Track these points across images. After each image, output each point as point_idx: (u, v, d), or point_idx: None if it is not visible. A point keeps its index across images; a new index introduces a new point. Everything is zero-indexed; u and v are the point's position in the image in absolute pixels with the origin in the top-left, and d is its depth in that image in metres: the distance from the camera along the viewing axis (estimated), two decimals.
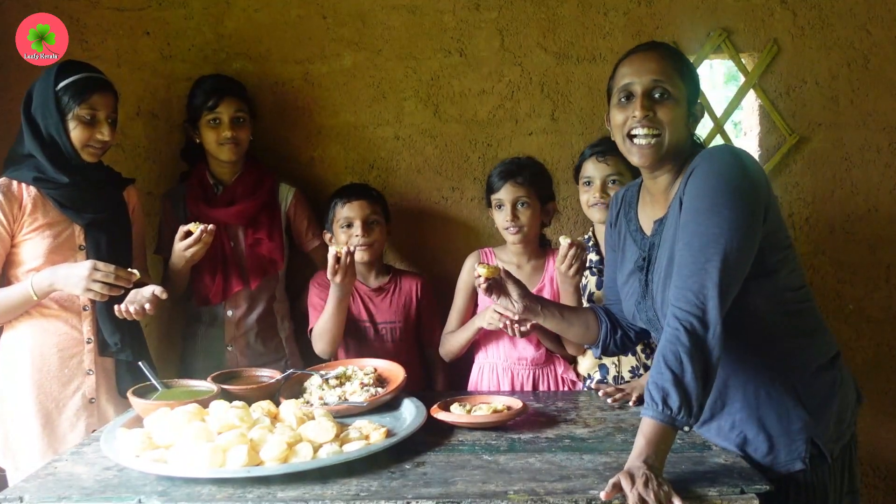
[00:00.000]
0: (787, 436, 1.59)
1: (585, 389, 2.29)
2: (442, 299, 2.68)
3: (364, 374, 2.08)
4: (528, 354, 2.35)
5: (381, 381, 2.07)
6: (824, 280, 2.71)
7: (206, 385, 1.97)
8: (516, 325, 2.13)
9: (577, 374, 2.36)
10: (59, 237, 2.12)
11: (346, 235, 2.38)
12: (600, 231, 2.34)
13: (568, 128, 2.69)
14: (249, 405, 1.79)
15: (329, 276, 2.16)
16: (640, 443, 1.41)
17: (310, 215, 2.58)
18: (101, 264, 1.99)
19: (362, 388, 1.99)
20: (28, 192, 2.10)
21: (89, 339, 2.18)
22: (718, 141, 2.69)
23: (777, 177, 2.68)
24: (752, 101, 2.73)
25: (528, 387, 2.35)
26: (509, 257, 2.40)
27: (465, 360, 2.50)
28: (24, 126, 2.11)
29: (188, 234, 2.21)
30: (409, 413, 1.88)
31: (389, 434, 1.70)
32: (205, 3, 2.67)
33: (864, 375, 2.69)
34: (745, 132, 2.82)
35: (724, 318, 1.44)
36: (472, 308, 2.44)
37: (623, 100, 1.65)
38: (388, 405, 1.95)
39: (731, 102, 2.71)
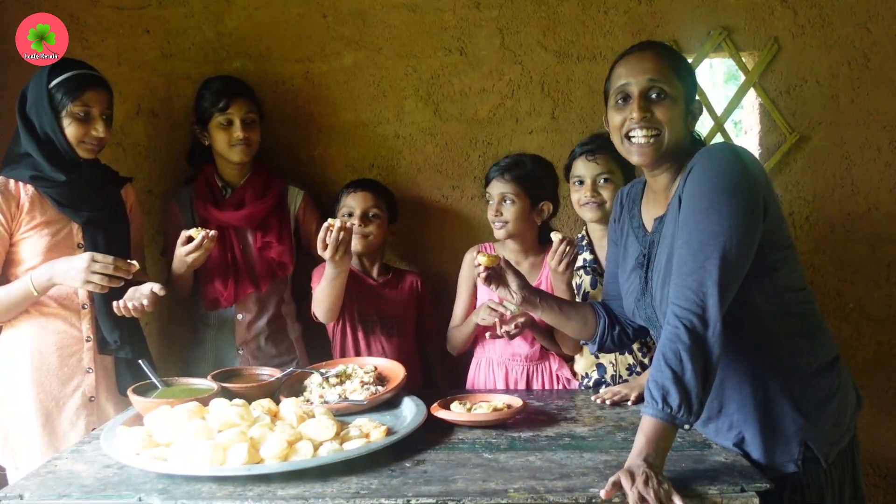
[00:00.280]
0: (781, 438, 1.59)
1: (582, 389, 2.29)
2: (442, 297, 2.68)
3: (364, 372, 2.08)
4: (523, 351, 2.36)
5: (381, 379, 2.07)
6: (825, 279, 2.71)
7: (207, 383, 1.97)
8: (504, 327, 2.15)
9: (574, 374, 2.36)
10: (58, 235, 2.12)
11: None
12: (594, 230, 2.35)
13: (568, 126, 2.69)
14: (250, 403, 1.79)
15: (319, 250, 2.10)
16: (640, 441, 1.41)
17: (318, 218, 2.57)
18: (99, 256, 1.99)
19: (362, 386, 1.99)
20: (25, 191, 2.10)
21: (89, 337, 2.18)
22: (719, 139, 2.69)
23: (777, 175, 2.68)
24: (752, 99, 2.73)
25: (522, 383, 2.36)
26: (508, 253, 2.41)
27: (463, 355, 2.52)
28: (19, 125, 2.11)
29: (190, 239, 2.20)
30: (410, 411, 1.88)
31: (389, 432, 1.70)
32: (205, 1, 2.67)
33: (865, 374, 2.70)
34: (746, 131, 2.82)
35: (724, 316, 1.44)
36: (474, 302, 2.45)
37: (620, 101, 1.65)
38: (389, 403, 1.95)
39: (731, 101, 2.71)
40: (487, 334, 2.23)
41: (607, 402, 2.02)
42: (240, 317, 2.45)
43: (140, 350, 2.23)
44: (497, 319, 2.17)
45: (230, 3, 2.67)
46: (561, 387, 2.35)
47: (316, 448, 1.59)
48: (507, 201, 2.31)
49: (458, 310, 2.48)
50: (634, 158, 1.66)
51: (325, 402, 1.91)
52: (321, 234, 2.08)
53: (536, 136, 2.69)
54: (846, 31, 2.65)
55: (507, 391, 2.30)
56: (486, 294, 2.33)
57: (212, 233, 2.20)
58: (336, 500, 1.40)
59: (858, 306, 2.73)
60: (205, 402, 1.77)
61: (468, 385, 2.46)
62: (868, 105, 2.67)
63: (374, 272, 2.49)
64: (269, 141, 2.64)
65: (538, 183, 2.35)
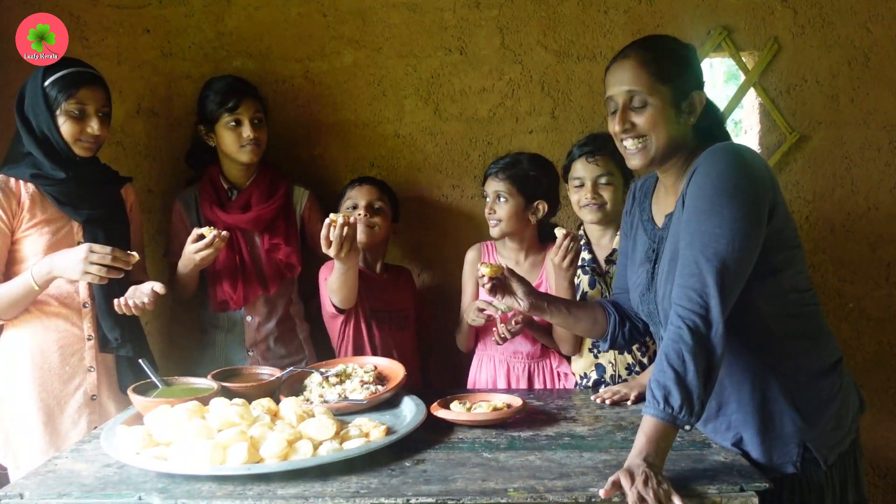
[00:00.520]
0: (779, 439, 1.59)
1: (580, 389, 2.29)
2: (443, 296, 2.70)
3: (364, 371, 2.08)
4: (524, 349, 2.37)
5: (380, 378, 2.07)
6: (825, 279, 2.71)
7: (207, 382, 1.97)
8: (497, 329, 2.17)
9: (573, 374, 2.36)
10: (58, 234, 2.12)
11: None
12: (592, 230, 2.35)
13: (568, 126, 2.69)
14: (250, 402, 1.79)
15: (323, 247, 2.08)
16: (640, 440, 1.41)
17: (323, 217, 2.56)
18: (96, 246, 1.99)
19: (362, 385, 1.99)
20: (26, 189, 2.11)
21: (90, 335, 2.18)
22: None
23: (777, 175, 2.67)
24: (752, 99, 2.73)
25: (524, 380, 2.36)
26: (508, 252, 2.41)
27: (462, 353, 2.53)
28: (18, 125, 2.12)
29: (201, 237, 2.20)
30: (409, 411, 1.88)
31: (389, 432, 1.70)
32: (205, 0, 2.67)
33: (865, 374, 2.70)
34: (746, 131, 2.82)
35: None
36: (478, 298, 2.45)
37: (612, 112, 1.68)
38: (388, 403, 1.95)
39: (731, 101, 2.71)
40: (495, 339, 2.24)
41: (607, 401, 2.02)
42: (249, 319, 2.45)
43: (141, 348, 2.23)
44: (487, 318, 2.18)
45: (230, 2, 2.67)
46: (562, 383, 2.36)
47: (316, 447, 1.59)
48: (501, 199, 2.31)
49: (463, 307, 2.48)
50: (630, 164, 1.69)
51: (325, 402, 1.90)
52: (324, 231, 2.05)
53: (536, 136, 2.69)
54: (846, 30, 2.65)
55: (508, 389, 2.31)
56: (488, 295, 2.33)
57: (224, 233, 2.20)
58: (336, 500, 1.40)
59: (858, 306, 2.73)
60: (205, 401, 1.77)
61: (470, 382, 2.47)
62: (868, 105, 2.67)
63: (378, 268, 2.48)
64: (269, 140, 2.64)
65: (533, 182, 2.34)
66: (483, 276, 1.87)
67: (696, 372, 1.40)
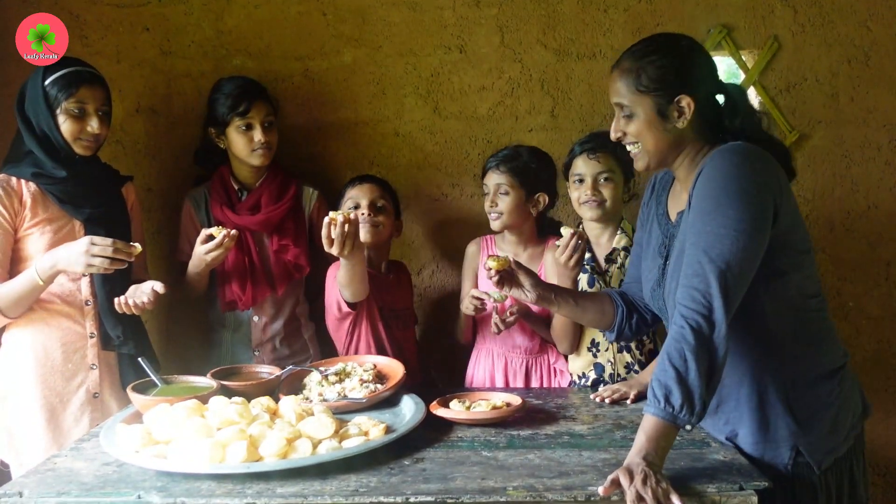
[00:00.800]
0: (773, 441, 1.60)
1: (577, 389, 2.28)
2: (443, 294, 2.70)
3: (363, 370, 2.08)
4: (522, 343, 2.37)
5: (380, 377, 2.07)
6: (824, 278, 2.70)
7: (206, 381, 1.98)
8: (496, 320, 2.19)
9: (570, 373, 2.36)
10: (60, 232, 2.12)
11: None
12: (591, 228, 2.34)
13: (568, 124, 2.69)
14: (249, 401, 1.79)
15: (325, 246, 2.05)
16: (640, 439, 1.41)
17: None
18: (98, 238, 1.99)
19: (361, 384, 1.99)
20: (28, 188, 2.11)
21: (92, 333, 2.19)
22: None
23: None
24: (752, 98, 2.72)
25: (521, 375, 2.37)
26: (507, 245, 2.42)
27: (461, 352, 2.53)
28: (19, 123, 2.12)
29: (210, 237, 2.20)
30: (409, 409, 1.88)
31: (388, 430, 1.70)
32: None
33: (864, 373, 2.70)
34: None
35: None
36: None
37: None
38: (388, 401, 1.95)
39: None
40: (493, 330, 2.24)
41: (606, 400, 2.02)
42: (256, 319, 2.45)
43: (143, 346, 2.24)
44: (482, 308, 2.20)
45: (230, 0, 2.67)
46: (557, 380, 2.37)
47: (315, 446, 1.59)
48: (502, 192, 2.32)
49: (462, 301, 2.48)
50: (635, 166, 1.74)
51: (325, 400, 1.90)
52: (324, 231, 2.02)
53: (536, 134, 2.69)
54: (846, 29, 2.64)
55: (506, 387, 2.32)
56: (488, 285, 2.33)
57: (233, 232, 2.20)
58: (335, 498, 1.40)
59: (858, 305, 2.73)
60: (204, 399, 1.77)
61: (468, 377, 2.47)
62: (868, 103, 2.67)
63: (383, 268, 2.47)
64: None
65: (533, 174, 2.35)
66: (490, 269, 1.88)
67: (698, 372, 1.40)
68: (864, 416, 1.72)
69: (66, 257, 2.01)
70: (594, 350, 2.29)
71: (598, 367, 2.29)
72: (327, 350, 2.50)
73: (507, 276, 1.90)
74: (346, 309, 2.22)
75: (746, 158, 1.54)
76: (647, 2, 2.64)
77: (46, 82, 2.08)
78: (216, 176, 2.49)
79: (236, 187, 2.48)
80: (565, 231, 2.11)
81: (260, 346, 2.46)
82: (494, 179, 2.33)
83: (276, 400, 1.87)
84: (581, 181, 2.27)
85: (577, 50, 2.67)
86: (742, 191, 1.50)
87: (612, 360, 2.27)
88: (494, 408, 1.85)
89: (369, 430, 1.68)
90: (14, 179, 2.11)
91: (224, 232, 2.18)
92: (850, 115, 2.67)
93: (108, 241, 1.98)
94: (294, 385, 2.07)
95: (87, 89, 2.11)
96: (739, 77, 2.70)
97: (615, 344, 2.26)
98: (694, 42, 1.70)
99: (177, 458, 1.52)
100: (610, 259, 2.28)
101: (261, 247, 2.45)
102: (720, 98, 1.69)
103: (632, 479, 1.34)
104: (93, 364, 2.19)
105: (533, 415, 1.92)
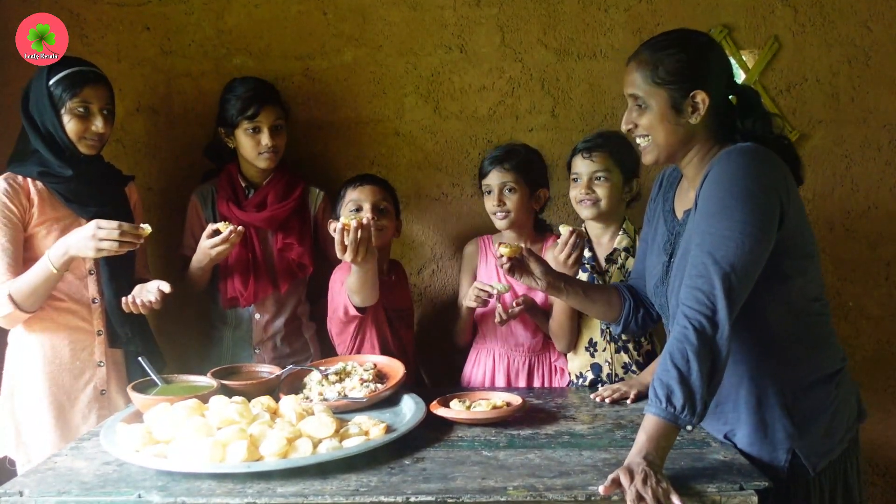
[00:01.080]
0: (769, 443, 1.60)
1: (575, 389, 2.28)
2: (442, 294, 2.70)
3: (364, 369, 2.08)
4: (525, 341, 2.37)
5: (380, 376, 2.07)
6: (824, 278, 2.69)
7: (206, 380, 1.98)
8: (500, 309, 2.19)
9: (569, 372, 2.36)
10: (67, 231, 2.13)
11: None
12: (592, 228, 2.35)
13: (568, 124, 2.69)
14: (249, 400, 1.79)
15: (338, 253, 2.01)
16: (641, 439, 1.41)
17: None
18: (104, 222, 2.00)
19: (362, 383, 1.99)
20: (34, 186, 2.13)
21: (99, 331, 2.21)
22: None
23: None
24: None
25: (524, 373, 2.37)
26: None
27: (454, 351, 2.53)
28: (24, 123, 2.14)
29: (216, 232, 2.21)
30: (409, 409, 1.88)
31: (389, 430, 1.70)
32: None
33: (864, 372, 2.70)
34: None
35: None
36: None
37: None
38: (388, 401, 1.95)
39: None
40: (496, 319, 2.23)
41: (606, 399, 2.02)
42: (257, 317, 2.46)
43: (149, 344, 2.27)
44: (485, 299, 2.20)
45: (230, 0, 2.67)
46: (558, 379, 2.37)
47: (315, 445, 1.59)
48: (508, 190, 2.32)
49: (460, 301, 2.47)
50: (643, 160, 1.73)
51: (325, 400, 1.90)
52: (337, 237, 1.98)
53: (536, 134, 2.69)
54: (847, 29, 2.64)
55: (507, 388, 2.31)
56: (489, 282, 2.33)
57: (239, 228, 2.21)
58: (335, 498, 1.40)
59: (858, 305, 2.73)
60: (204, 399, 1.77)
61: (465, 377, 2.46)
62: (868, 104, 2.67)
63: (385, 267, 2.45)
64: None
65: (535, 170, 2.37)
66: (502, 256, 1.87)
67: (700, 373, 1.40)
68: (859, 419, 1.72)
69: (77, 243, 2.02)
70: (592, 350, 2.29)
71: (596, 368, 2.29)
72: (328, 350, 2.50)
73: (518, 263, 1.90)
74: (353, 313, 2.18)
75: (754, 160, 1.54)
76: (647, 2, 2.64)
77: (51, 82, 2.10)
78: (224, 173, 2.50)
79: (243, 184, 2.49)
80: (564, 229, 2.11)
81: (260, 343, 2.46)
82: (499, 178, 2.32)
83: (277, 399, 1.87)
84: (577, 180, 2.28)
85: (578, 50, 2.67)
86: (749, 193, 1.50)
87: (610, 361, 2.27)
88: (494, 407, 1.85)
89: (370, 430, 1.68)
90: (20, 177, 2.13)
91: (231, 227, 2.19)
92: (850, 115, 2.67)
93: (114, 223, 1.99)
94: (294, 384, 2.07)
95: (92, 89, 2.12)
96: (740, 77, 2.70)
97: (613, 344, 2.26)
98: (712, 40, 1.73)
99: (177, 457, 1.52)
100: (610, 259, 2.28)
101: (265, 244, 2.46)
102: (732, 98, 1.70)
103: (632, 478, 1.34)
104: (100, 361, 2.21)
105: (533, 414, 1.92)
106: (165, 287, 2.07)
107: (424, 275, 2.77)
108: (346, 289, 2.16)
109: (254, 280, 2.40)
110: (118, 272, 2.19)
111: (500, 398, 1.91)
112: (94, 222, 2.00)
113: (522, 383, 2.36)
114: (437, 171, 2.73)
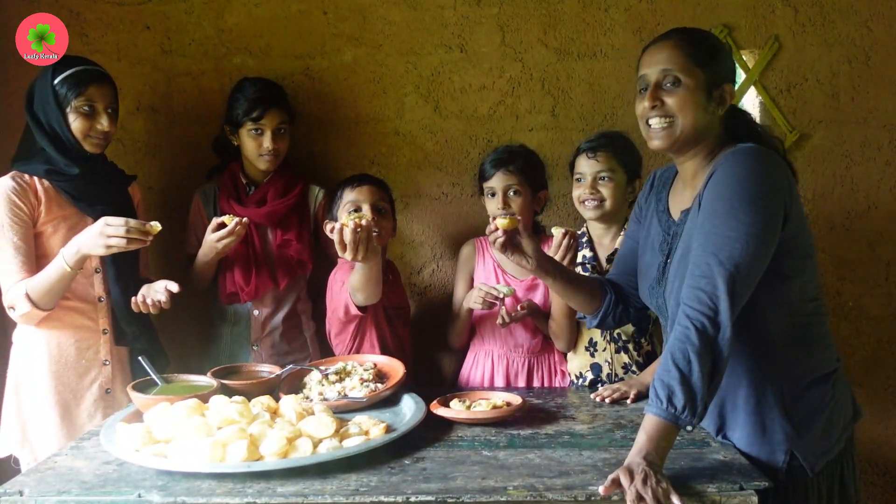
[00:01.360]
0: (768, 444, 1.60)
1: (575, 389, 2.28)
2: (442, 294, 2.69)
3: (364, 369, 2.08)
4: (525, 342, 2.37)
5: (380, 376, 2.07)
6: (824, 277, 2.70)
7: (206, 380, 1.98)
8: (504, 312, 2.18)
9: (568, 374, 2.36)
10: (74, 230, 2.14)
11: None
12: (594, 228, 2.35)
13: (568, 124, 2.69)
14: (249, 400, 1.79)
15: (339, 252, 2.02)
16: (641, 439, 1.41)
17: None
18: (111, 219, 2.00)
19: (362, 383, 1.99)
20: (41, 185, 2.14)
21: (105, 329, 2.22)
22: None
23: None
24: (752, 97, 2.72)
25: (523, 375, 2.37)
26: None
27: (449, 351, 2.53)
28: (29, 122, 2.15)
29: (221, 225, 2.23)
30: (409, 409, 1.88)
31: (389, 429, 1.70)
32: None
33: (864, 372, 2.70)
34: None
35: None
36: None
37: (641, 90, 1.68)
38: (388, 401, 1.95)
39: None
40: (499, 321, 2.23)
41: (606, 399, 2.03)
42: (256, 313, 2.46)
43: (154, 342, 2.29)
44: (490, 302, 2.20)
45: None
46: (559, 379, 2.37)
47: (315, 445, 1.59)
48: (513, 193, 2.31)
49: (456, 303, 2.48)
50: (651, 144, 1.68)
51: (325, 400, 1.91)
52: (336, 237, 1.99)
53: (536, 134, 2.69)
54: (847, 29, 2.64)
55: (507, 387, 2.31)
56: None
57: (244, 219, 2.23)
58: (335, 498, 1.40)
59: (857, 305, 2.73)
60: (204, 398, 1.77)
61: (462, 378, 2.46)
62: (868, 103, 2.67)
63: (382, 267, 2.46)
64: None
65: (536, 172, 2.37)
66: (497, 229, 1.82)
67: (702, 373, 1.40)
68: (854, 419, 1.72)
69: (87, 240, 2.03)
70: (591, 350, 2.29)
71: (596, 368, 2.29)
72: (327, 350, 2.50)
73: (511, 240, 1.84)
74: (354, 312, 2.18)
75: (760, 162, 1.54)
76: (647, 1, 2.64)
77: (55, 81, 2.11)
78: (227, 171, 2.52)
79: (245, 182, 2.51)
80: (557, 231, 2.11)
81: (259, 340, 2.46)
82: (503, 180, 2.31)
83: (277, 399, 1.87)
84: (581, 180, 2.28)
85: (578, 49, 2.67)
86: (755, 195, 1.50)
87: (610, 360, 2.27)
88: (494, 407, 1.85)
89: (370, 430, 1.68)
90: (27, 176, 2.14)
91: (236, 220, 2.22)
92: (850, 115, 2.67)
93: (122, 220, 2.00)
94: (294, 384, 2.07)
95: (96, 88, 2.14)
96: (740, 77, 2.70)
97: (613, 344, 2.26)
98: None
99: (177, 457, 1.52)
100: (611, 260, 2.28)
101: (264, 241, 2.47)
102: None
103: (632, 478, 1.34)
104: (105, 360, 2.22)
105: (533, 414, 1.92)
106: (173, 287, 2.09)
107: (424, 274, 2.77)
108: (349, 287, 2.16)
109: (255, 275, 2.41)
110: (124, 271, 2.20)
111: (500, 398, 1.91)
112: (102, 220, 2.01)
113: (522, 384, 2.36)
114: (437, 171, 2.73)
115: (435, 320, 2.68)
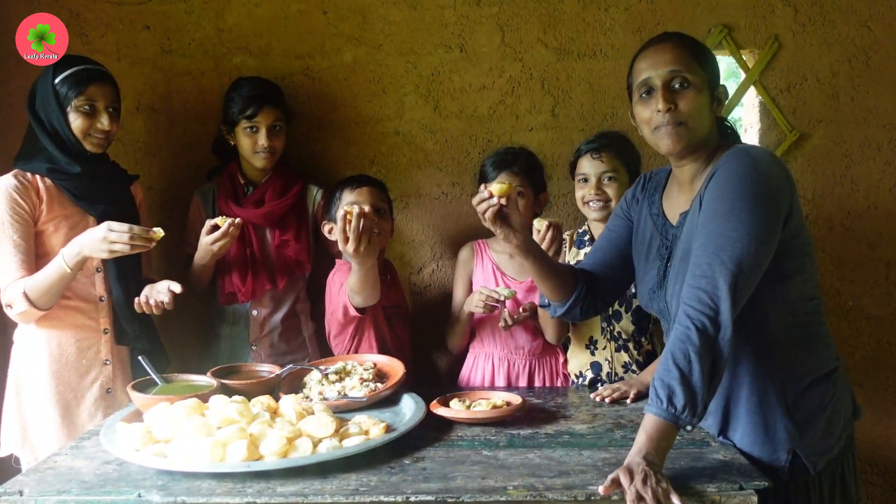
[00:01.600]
0: (770, 444, 1.60)
1: (574, 388, 2.28)
2: (442, 294, 2.69)
3: (363, 369, 2.08)
4: (525, 344, 2.37)
5: (380, 376, 2.07)
6: (824, 277, 2.71)
7: (206, 380, 1.98)
8: (506, 314, 2.17)
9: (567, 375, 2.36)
10: (75, 228, 2.15)
11: None
12: (596, 228, 2.34)
13: (568, 124, 2.69)
14: (249, 400, 1.79)
15: (340, 245, 2.01)
16: (641, 439, 1.41)
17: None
18: (115, 224, 2.01)
19: (362, 383, 1.99)
20: (43, 183, 2.15)
21: (106, 329, 2.22)
22: None
23: None
24: (752, 97, 2.72)
25: (524, 377, 2.36)
26: (502, 247, 2.40)
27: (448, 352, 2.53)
28: (31, 122, 2.16)
29: (215, 227, 2.23)
30: (409, 408, 1.88)
31: (389, 429, 1.70)
32: None
33: (863, 372, 2.70)
34: (746, 129, 2.82)
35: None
36: None
37: (644, 95, 1.66)
38: (388, 400, 1.96)
39: (731, 99, 2.70)
40: (501, 324, 2.22)
41: (606, 399, 2.03)
42: (255, 313, 2.47)
43: (155, 342, 2.29)
44: (491, 305, 2.19)
45: None
46: (560, 382, 2.36)
47: (315, 445, 1.59)
48: (518, 195, 2.29)
49: (455, 306, 2.48)
50: (664, 148, 1.65)
51: (325, 399, 1.91)
52: (340, 225, 1.99)
53: (536, 134, 2.69)
54: (847, 29, 2.64)
55: (507, 387, 2.31)
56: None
57: (237, 220, 2.23)
58: (335, 497, 1.40)
59: (857, 305, 2.73)
60: (204, 398, 1.77)
61: (462, 380, 2.46)
62: (868, 103, 2.67)
63: (380, 267, 2.46)
64: None
65: (538, 174, 2.37)
66: (492, 196, 1.74)
67: (702, 373, 1.40)
68: (854, 417, 1.72)
69: (90, 244, 2.03)
70: (592, 348, 2.29)
71: (596, 366, 2.29)
72: (326, 349, 2.50)
73: (501, 213, 1.77)
74: (353, 313, 2.18)
75: (762, 162, 1.54)
76: (647, 1, 2.64)
77: (56, 80, 2.11)
78: (225, 172, 2.52)
79: (243, 182, 2.51)
80: (540, 223, 2.11)
81: (258, 340, 2.47)
82: (509, 182, 2.30)
83: (277, 399, 1.87)
84: (585, 180, 2.27)
85: (578, 49, 2.67)
86: (757, 195, 1.50)
87: (610, 359, 2.27)
88: (494, 407, 1.85)
89: (369, 429, 1.68)
90: (29, 174, 2.14)
91: (228, 221, 2.22)
92: (850, 115, 2.67)
93: (125, 226, 2.00)
94: (294, 384, 2.07)
95: (97, 87, 2.14)
96: (740, 77, 2.71)
97: (613, 343, 2.26)
98: None
99: (177, 456, 1.52)
100: None
101: (262, 241, 2.47)
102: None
103: (632, 478, 1.34)
104: (106, 359, 2.22)
105: (533, 414, 1.92)
106: (176, 287, 2.10)
107: (424, 274, 2.77)
108: (347, 289, 2.16)
109: (252, 276, 2.42)
110: (126, 270, 2.20)
111: (499, 398, 1.91)
112: (105, 224, 2.01)
113: (523, 387, 2.35)
114: (437, 171, 2.73)
115: (434, 320, 2.68)
